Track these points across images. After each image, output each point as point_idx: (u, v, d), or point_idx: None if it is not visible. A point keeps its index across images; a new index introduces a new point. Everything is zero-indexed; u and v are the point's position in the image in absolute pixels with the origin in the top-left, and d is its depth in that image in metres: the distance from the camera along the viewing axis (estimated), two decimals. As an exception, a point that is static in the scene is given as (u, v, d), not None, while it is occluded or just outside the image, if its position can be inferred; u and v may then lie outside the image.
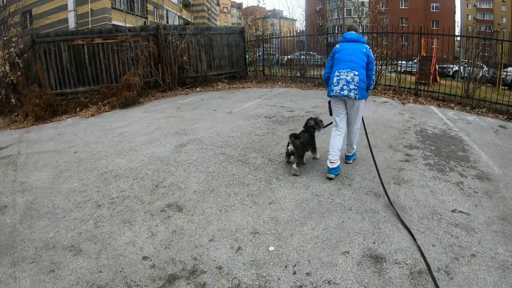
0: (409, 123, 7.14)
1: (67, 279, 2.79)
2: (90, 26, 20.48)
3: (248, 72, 14.82)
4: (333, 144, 4.46)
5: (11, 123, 9.65)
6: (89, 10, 21.52)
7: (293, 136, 4.53)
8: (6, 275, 2.87)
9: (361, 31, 13.71)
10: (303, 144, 4.59)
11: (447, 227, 3.31)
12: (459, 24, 36.82)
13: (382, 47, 11.58)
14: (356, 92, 4.27)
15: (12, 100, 10.40)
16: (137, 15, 20.94)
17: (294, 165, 4.54)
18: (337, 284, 2.61)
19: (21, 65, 10.37)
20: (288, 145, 4.67)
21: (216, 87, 12.77)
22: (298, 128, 4.83)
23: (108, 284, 2.70)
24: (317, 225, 3.38)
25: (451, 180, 4.41)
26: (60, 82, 10.65)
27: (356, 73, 4.29)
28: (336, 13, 50.83)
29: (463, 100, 9.49)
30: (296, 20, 50.46)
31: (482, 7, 49.93)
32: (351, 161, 4.91)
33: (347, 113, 4.61)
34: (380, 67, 11.04)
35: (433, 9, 47.07)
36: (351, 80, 4.27)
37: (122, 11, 20.78)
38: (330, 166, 4.39)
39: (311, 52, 14.42)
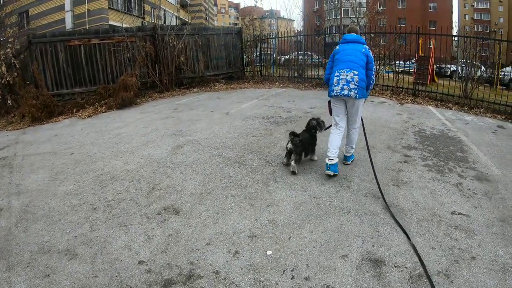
0: (407, 124, 7.11)
1: (62, 284, 2.74)
2: (87, 26, 20.38)
3: (246, 73, 14.77)
4: (332, 142, 4.49)
5: (7, 124, 9.58)
6: (86, 10, 21.40)
7: (293, 134, 4.55)
8: (1, 280, 2.83)
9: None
10: (303, 142, 4.61)
11: (447, 229, 3.28)
12: (457, 24, 36.94)
13: (380, 47, 11.57)
14: (356, 91, 4.31)
15: (9, 101, 10.33)
16: (134, 16, 20.89)
17: (293, 162, 4.56)
18: (336, 288, 2.58)
19: (17, 66, 10.30)
20: (287, 143, 4.67)
21: (213, 88, 12.72)
22: (296, 129, 4.79)
23: (103, 290, 2.65)
24: (315, 228, 3.34)
25: (450, 181, 4.38)
26: (56, 82, 10.58)
27: (356, 72, 4.33)
28: (333, 13, 50.88)
29: (461, 100, 9.48)
30: (293, 20, 50.48)
31: (479, 7, 50.02)
32: (349, 162, 4.88)
33: (347, 113, 4.64)
34: (377, 67, 11.01)
35: (430, 9, 47.12)
36: (351, 80, 4.31)
37: (119, 11, 20.73)
38: (329, 162, 4.40)
39: (309, 52, 14.40)
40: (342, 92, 4.34)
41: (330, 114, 4.74)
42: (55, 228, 3.58)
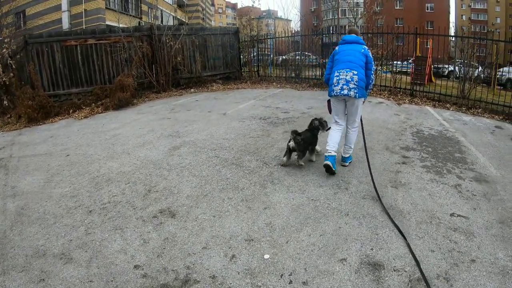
0: (405, 124, 7.09)
1: (57, 289, 2.70)
2: (84, 26, 20.31)
3: (243, 73, 14.74)
4: (332, 137, 4.61)
5: (3, 125, 9.50)
6: (83, 10, 21.33)
7: (295, 133, 4.61)
8: (-5, 285, 2.78)
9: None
10: (305, 141, 4.67)
11: (446, 232, 3.25)
12: (454, 25, 37.02)
13: (377, 47, 11.55)
14: (356, 91, 4.37)
15: (5, 102, 10.26)
16: (131, 16, 20.86)
17: (301, 162, 4.75)
18: (335, 293, 2.55)
19: (13, 66, 10.21)
20: (289, 141, 4.70)
21: (210, 88, 12.68)
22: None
23: (98, 295, 2.61)
24: (313, 231, 3.30)
25: (448, 182, 4.35)
26: (53, 83, 10.52)
27: (355, 72, 4.40)
28: (331, 13, 50.86)
29: (459, 100, 9.47)
30: (291, 20, 50.60)
31: (477, 7, 50.19)
32: (347, 163, 4.85)
33: (346, 113, 4.71)
34: (375, 67, 10.98)
35: (427, 9, 47.26)
36: (350, 80, 4.38)
37: (116, 11, 20.65)
38: (327, 154, 4.48)
39: (306, 53, 14.38)
40: (342, 92, 4.41)
41: (330, 113, 4.83)
42: (50, 232, 3.53)
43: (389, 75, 11.48)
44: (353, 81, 4.36)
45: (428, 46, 13.96)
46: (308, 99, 9.67)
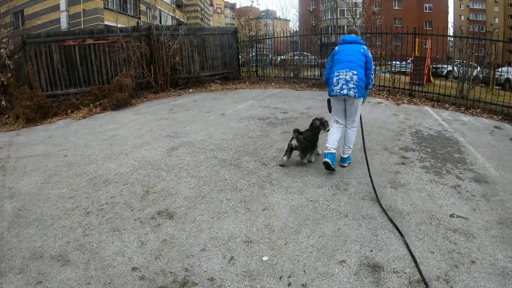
0: (404, 125, 7.08)
1: (54, 291, 2.68)
2: (82, 26, 20.24)
3: (241, 73, 14.70)
4: (332, 134, 4.64)
5: (1, 125, 9.48)
6: (82, 10, 21.27)
7: (297, 132, 4.65)
8: (-8, 288, 2.76)
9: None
10: (307, 140, 4.72)
11: (446, 233, 3.24)
12: (453, 25, 37.06)
13: (376, 47, 11.54)
14: (355, 90, 4.39)
15: (3, 102, 10.26)
16: (129, 16, 20.80)
17: (300, 159, 4.82)
18: (334, 295, 2.53)
19: (11, 67, 10.21)
20: (291, 140, 4.71)
21: (209, 88, 12.65)
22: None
23: (95, 298, 2.59)
24: (312, 232, 3.28)
25: (448, 183, 4.34)
26: (51, 83, 10.47)
27: (355, 72, 4.42)
28: (329, 13, 50.89)
29: (458, 100, 9.46)
30: (289, 20, 50.61)
31: (475, 7, 50.25)
32: (346, 164, 4.84)
33: (345, 112, 4.73)
34: (374, 67, 10.96)
35: (426, 9, 47.29)
36: (350, 79, 4.41)
37: (115, 11, 20.62)
38: (327, 151, 4.50)
39: (305, 53, 14.35)
40: (342, 92, 4.43)
41: (330, 112, 4.86)
42: (48, 233, 3.51)
43: (387, 75, 11.47)
44: (352, 81, 4.38)
45: (427, 46, 13.96)
46: (307, 99, 9.65)
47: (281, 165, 4.85)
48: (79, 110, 9.93)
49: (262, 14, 69.49)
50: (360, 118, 4.88)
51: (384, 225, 3.36)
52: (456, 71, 11.19)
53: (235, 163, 5.02)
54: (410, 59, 13.22)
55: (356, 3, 37.31)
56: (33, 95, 9.54)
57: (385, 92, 10.66)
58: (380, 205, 3.72)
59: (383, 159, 5.13)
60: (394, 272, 2.72)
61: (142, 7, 27.84)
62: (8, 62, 10.15)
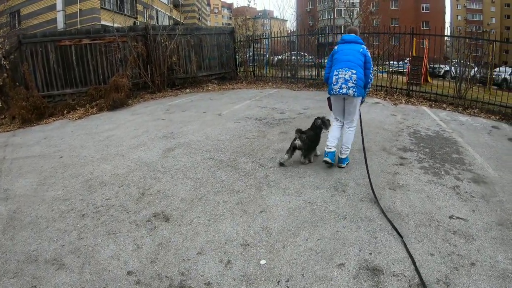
0: (402, 125, 7.05)
1: (48, 296, 2.63)
2: (79, 26, 20.15)
3: (238, 73, 14.68)
4: (332, 132, 4.72)
5: (-3, 126, 9.42)
6: (78, 10, 21.18)
7: (300, 131, 4.69)
8: (-15, 292, 2.71)
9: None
10: (309, 139, 4.76)
11: (445, 235, 3.20)
12: (450, 25, 37.16)
13: (373, 47, 11.52)
14: (354, 89, 4.44)
15: (-1, 103, 10.19)
16: (126, 15, 20.73)
17: (302, 159, 4.87)
18: (333, 299, 2.48)
19: (7, 67, 10.12)
20: (294, 140, 4.73)
21: (205, 88, 12.60)
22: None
23: (89, 303, 2.54)
24: (310, 235, 3.23)
25: (447, 184, 4.31)
26: (47, 83, 10.40)
27: (354, 71, 4.48)
28: (327, 13, 50.91)
29: (455, 100, 9.45)
30: (286, 20, 50.47)
31: (472, 7, 50.38)
32: (344, 165, 4.80)
33: (344, 111, 4.79)
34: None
35: (423, 9, 47.39)
36: (349, 79, 4.46)
37: (111, 11, 20.54)
38: (327, 150, 4.57)
39: (302, 53, 14.33)
40: (341, 91, 4.48)
41: (330, 109, 4.92)
42: (43, 236, 3.46)
43: (385, 75, 11.45)
44: (351, 80, 4.43)
45: (424, 46, 13.96)
46: (304, 100, 9.61)
47: (280, 164, 4.83)
48: (75, 110, 9.88)
49: (259, 14, 69.60)
50: (360, 118, 4.90)
51: (383, 227, 3.32)
52: (453, 71, 11.19)
53: (232, 164, 4.97)
54: (408, 59, 13.21)
55: (353, 3, 37.29)
56: (29, 95, 9.48)
57: (382, 92, 10.63)
58: (380, 206, 3.68)
59: (381, 160, 5.09)
60: (393, 275, 2.68)
61: (139, 7, 27.74)
62: (4, 62, 10.08)
